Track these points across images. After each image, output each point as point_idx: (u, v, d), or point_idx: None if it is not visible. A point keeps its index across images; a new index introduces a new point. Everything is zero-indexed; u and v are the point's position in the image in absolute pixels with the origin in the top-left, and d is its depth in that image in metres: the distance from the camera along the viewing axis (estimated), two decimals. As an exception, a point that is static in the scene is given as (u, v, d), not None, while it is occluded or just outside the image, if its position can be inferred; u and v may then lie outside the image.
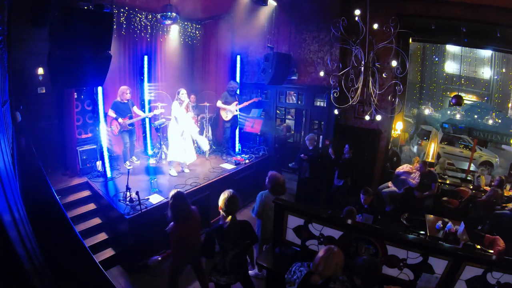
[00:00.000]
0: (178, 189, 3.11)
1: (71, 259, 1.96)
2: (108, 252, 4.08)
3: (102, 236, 4.23)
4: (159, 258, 2.92)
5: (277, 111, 7.08)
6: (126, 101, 5.36)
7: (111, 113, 5.24)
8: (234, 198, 2.70)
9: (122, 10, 5.66)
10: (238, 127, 6.70)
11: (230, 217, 2.67)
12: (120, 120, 5.27)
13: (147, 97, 6.14)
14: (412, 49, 10.87)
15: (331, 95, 3.47)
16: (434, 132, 9.20)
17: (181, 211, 2.88)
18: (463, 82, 12.22)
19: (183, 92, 5.15)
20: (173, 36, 6.75)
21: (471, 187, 5.90)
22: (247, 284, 3.05)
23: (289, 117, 7.15)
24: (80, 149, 5.13)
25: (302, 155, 5.64)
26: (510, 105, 11.51)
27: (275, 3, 5.87)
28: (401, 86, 3.03)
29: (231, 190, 2.78)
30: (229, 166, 5.76)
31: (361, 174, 5.74)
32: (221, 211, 2.72)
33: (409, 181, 5.41)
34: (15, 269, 1.11)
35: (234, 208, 2.69)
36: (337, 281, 2.14)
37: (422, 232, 4.46)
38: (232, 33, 6.91)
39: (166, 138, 5.72)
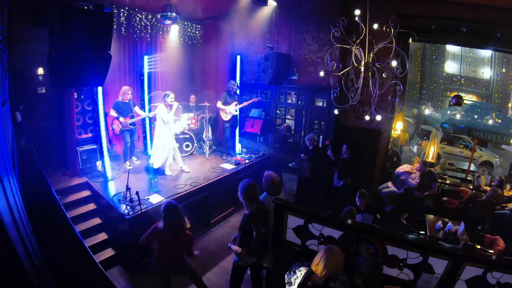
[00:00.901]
0: (170, 200, 3.09)
1: (71, 259, 1.96)
2: (108, 252, 4.08)
3: (102, 236, 4.23)
4: None
5: (277, 111, 7.08)
6: (127, 101, 5.37)
7: (113, 113, 5.26)
8: (253, 184, 2.80)
9: (122, 10, 5.66)
10: (238, 127, 6.70)
11: (255, 203, 2.79)
12: (121, 119, 5.28)
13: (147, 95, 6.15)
14: (412, 49, 10.85)
15: (331, 95, 3.46)
16: (434, 132, 9.17)
17: (170, 224, 2.87)
18: (463, 82, 12.20)
19: (171, 96, 5.02)
20: (173, 36, 6.75)
21: (471, 187, 5.90)
22: (257, 269, 3.12)
23: (289, 117, 7.15)
24: (80, 149, 5.12)
25: (302, 155, 5.64)
26: (510, 105, 11.49)
27: (275, 3, 5.87)
28: (401, 86, 3.03)
29: (247, 179, 2.88)
30: (229, 166, 5.76)
31: (361, 174, 5.73)
32: (245, 200, 2.79)
33: (409, 181, 5.41)
34: (15, 269, 1.10)
35: (256, 193, 2.80)
36: (337, 281, 2.14)
37: (422, 232, 4.45)
38: (232, 33, 6.91)
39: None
